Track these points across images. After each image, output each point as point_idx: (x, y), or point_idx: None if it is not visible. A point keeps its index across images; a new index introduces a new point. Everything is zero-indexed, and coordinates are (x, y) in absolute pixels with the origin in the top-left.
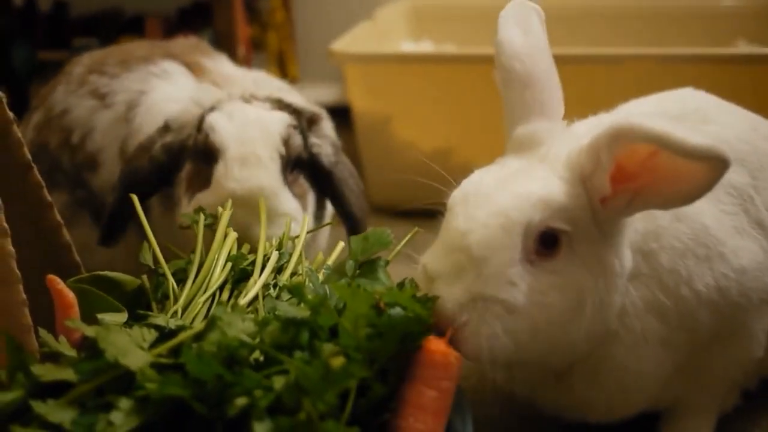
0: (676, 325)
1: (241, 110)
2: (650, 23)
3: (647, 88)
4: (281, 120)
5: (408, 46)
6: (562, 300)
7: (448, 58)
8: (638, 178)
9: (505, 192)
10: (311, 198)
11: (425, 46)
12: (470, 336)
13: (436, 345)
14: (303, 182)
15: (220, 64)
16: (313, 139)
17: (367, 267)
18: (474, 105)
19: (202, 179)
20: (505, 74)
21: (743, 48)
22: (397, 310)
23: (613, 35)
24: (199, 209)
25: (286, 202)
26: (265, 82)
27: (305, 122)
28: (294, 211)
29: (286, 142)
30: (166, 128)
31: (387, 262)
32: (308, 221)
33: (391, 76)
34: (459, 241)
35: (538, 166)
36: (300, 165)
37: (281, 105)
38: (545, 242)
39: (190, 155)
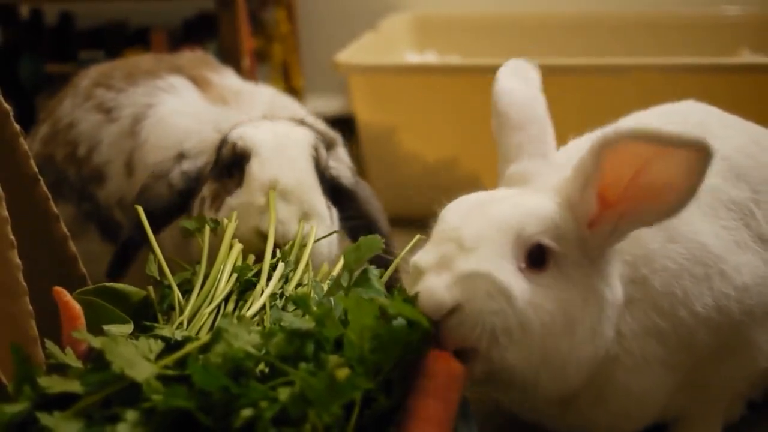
0: (674, 346)
1: (267, 125)
2: (653, 33)
3: (651, 98)
4: (308, 133)
5: (412, 57)
6: (551, 309)
7: (452, 69)
8: (621, 203)
9: (503, 203)
10: (335, 214)
11: (429, 57)
12: (464, 315)
13: (441, 357)
14: (325, 198)
15: (226, 78)
16: (331, 162)
17: (361, 277)
18: (478, 116)
19: (228, 191)
20: (500, 119)
21: (747, 57)
22: (398, 320)
23: (617, 45)
24: (231, 214)
25: (321, 202)
26: (279, 99)
27: (325, 144)
28: (325, 213)
29: (316, 152)
30: (181, 156)
31: (382, 272)
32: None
33: (396, 87)
34: (451, 234)
35: (532, 193)
36: (323, 181)
37: (304, 124)
38: (534, 258)
39: (211, 176)
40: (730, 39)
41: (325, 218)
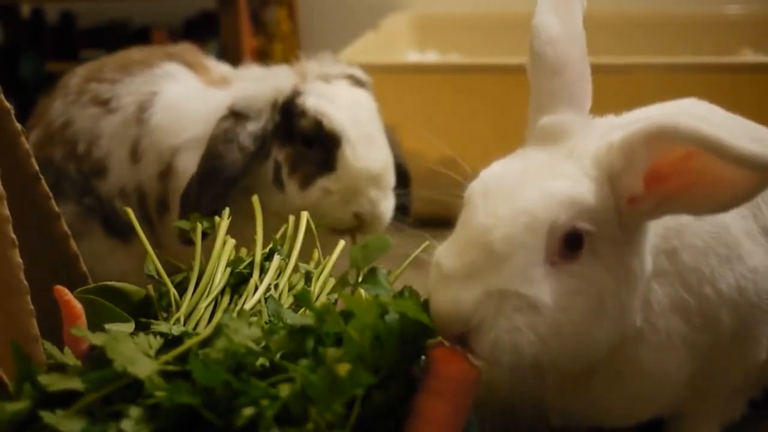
0: (699, 326)
1: (334, 92)
2: (655, 32)
3: (652, 97)
4: (369, 97)
5: (413, 57)
6: (583, 304)
7: (453, 68)
8: (671, 181)
9: (531, 188)
10: None
11: (430, 57)
12: (489, 332)
13: (450, 357)
14: None
15: (219, 65)
16: None
17: (369, 274)
18: (480, 115)
19: (310, 162)
20: (536, 60)
21: (748, 57)
22: (395, 317)
23: (618, 44)
24: (326, 192)
25: (393, 175)
26: (271, 72)
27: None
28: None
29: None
30: (240, 116)
31: (389, 272)
32: None
33: (397, 86)
34: (479, 237)
35: (564, 162)
36: None
37: (357, 81)
38: (569, 243)
39: (279, 138)
40: (732, 38)
41: (392, 187)
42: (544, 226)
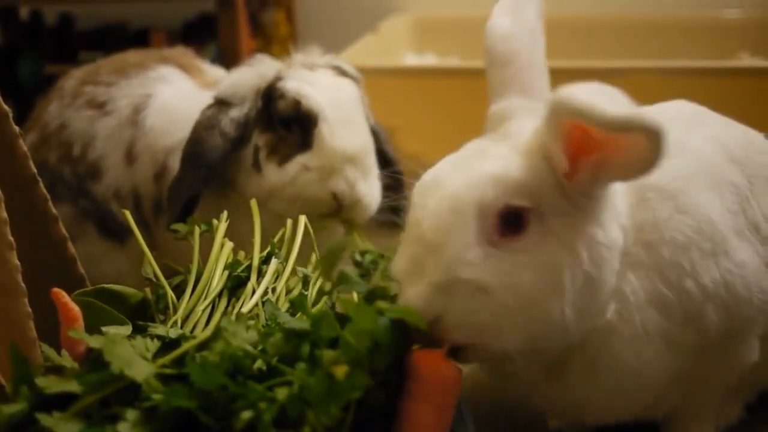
0: (681, 322)
1: (315, 78)
2: (654, 36)
3: (651, 101)
4: (352, 85)
5: (411, 60)
6: (535, 279)
7: (452, 71)
8: (592, 153)
9: (456, 174)
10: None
11: (428, 60)
12: (450, 320)
13: (427, 359)
14: None
15: (214, 68)
16: None
17: (340, 278)
18: (477, 118)
19: (290, 144)
20: (488, 57)
21: (747, 61)
22: (390, 320)
23: (617, 48)
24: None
25: (374, 159)
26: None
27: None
28: (376, 169)
29: (362, 102)
30: (224, 103)
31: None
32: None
33: (395, 89)
34: (414, 232)
35: (497, 144)
36: None
37: (342, 72)
38: (508, 221)
39: (260, 124)
40: (730, 42)
41: (376, 172)
42: (470, 208)
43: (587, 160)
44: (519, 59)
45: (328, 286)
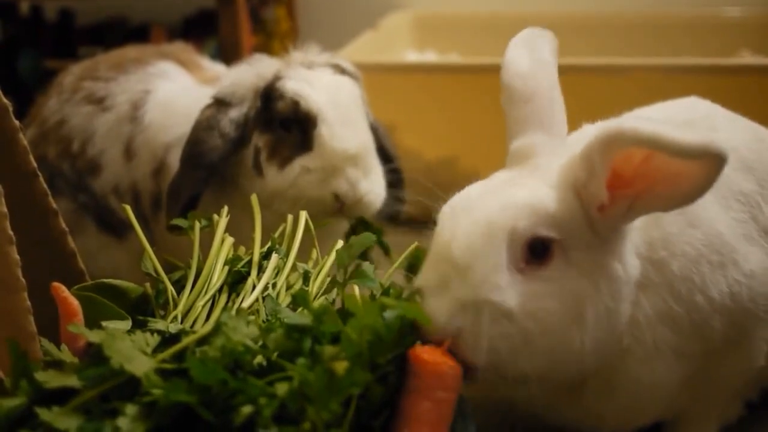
0: (689, 334)
1: (314, 77)
2: (654, 33)
3: (652, 98)
4: (352, 83)
5: (412, 56)
6: (557, 308)
7: (452, 68)
8: (635, 183)
9: (490, 199)
10: None
11: (429, 56)
12: (467, 341)
13: (427, 355)
14: None
15: (213, 64)
16: None
17: (356, 271)
18: (478, 114)
19: (289, 145)
20: (506, 91)
21: (748, 58)
22: (393, 315)
23: (618, 45)
24: (305, 171)
25: (376, 157)
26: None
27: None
28: (380, 167)
29: (362, 100)
30: (223, 103)
31: (375, 267)
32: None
33: (395, 86)
34: (443, 251)
35: (527, 176)
36: None
37: (341, 70)
38: (534, 251)
39: (260, 124)
40: (730, 40)
41: (380, 171)
42: (503, 234)
43: (625, 192)
44: (538, 97)
45: (338, 279)
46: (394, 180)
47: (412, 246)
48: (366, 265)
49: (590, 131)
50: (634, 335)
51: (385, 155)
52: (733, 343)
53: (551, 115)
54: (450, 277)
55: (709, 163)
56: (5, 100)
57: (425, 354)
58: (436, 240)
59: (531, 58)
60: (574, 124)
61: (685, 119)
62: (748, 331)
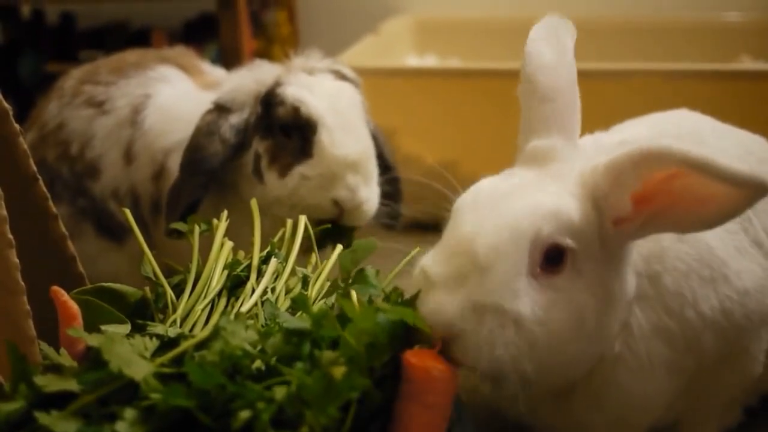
0: (682, 349)
1: (315, 83)
2: (655, 38)
3: (653, 102)
4: (352, 89)
5: (412, 61)
6: (565, 318)
7: (453, 72)
8: (656, 200)
9: (518, 201)
10: None
11: (429, 61)
12: (471, 344)
13: (416, 359)
14: None
15: (214, 68)
16: None
17: (358, 276)
18: (478, 119)
19: (289, 151)
20: (527, 86)
21: (748, 64)
22: (391, 320)
23: (618, 50)
24: (303, 178)
25: (375, 164)
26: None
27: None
28: (377, 174)
29: (362, 106)
30: (223, 109)
31: (377, 271)
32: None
33: (396, 90)
34: (465, 245)
35: (550, 182)
36: None
37: (341, 75)
38: (551, 258)
39: (261, 130)
40: (730, 45)
41: (376, 178)
42: (527, 238)
43: (645, 207)
44: (561, 95)
45: (327, 287)
46: (393, 190)
47: (414, 251)
48: (369, 270)
49: (605, 140)
50: (628, 345)
51: (383, 164)
52: (728, 358)
53: (572, 117)
54: (467, 274)
55: (750, 192)
56: (6, 104)
57: (414, 358)
58: (455, 231)
59: (554, 52)
60: None
61: (674, 134)
62: (744, 346)
